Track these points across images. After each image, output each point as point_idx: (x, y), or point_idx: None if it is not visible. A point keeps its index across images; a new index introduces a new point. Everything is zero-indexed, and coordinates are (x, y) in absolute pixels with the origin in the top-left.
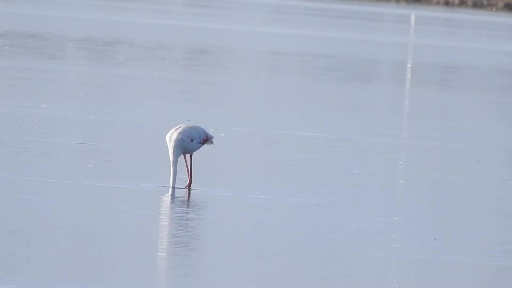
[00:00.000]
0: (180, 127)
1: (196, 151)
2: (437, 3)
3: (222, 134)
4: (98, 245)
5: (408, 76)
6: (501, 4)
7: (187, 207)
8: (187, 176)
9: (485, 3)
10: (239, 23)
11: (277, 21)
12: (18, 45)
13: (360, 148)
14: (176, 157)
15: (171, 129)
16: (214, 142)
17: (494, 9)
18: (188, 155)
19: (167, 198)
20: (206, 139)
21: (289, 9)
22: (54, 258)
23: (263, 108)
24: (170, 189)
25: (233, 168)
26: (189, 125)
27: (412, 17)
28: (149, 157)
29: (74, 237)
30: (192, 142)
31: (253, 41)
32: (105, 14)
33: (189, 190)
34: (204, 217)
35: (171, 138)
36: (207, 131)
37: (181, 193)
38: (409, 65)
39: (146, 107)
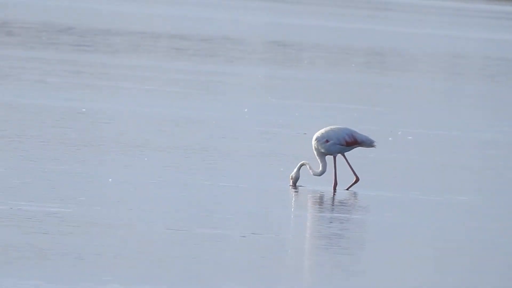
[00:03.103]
0: (328, 127)
1: (348, 152)
2: None
3: (390, 139)
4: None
5: None
6: None
7: (348, 208)
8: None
9: None
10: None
11: (455, 25)
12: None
13: None
14: (319, 156)
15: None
16: (375, 145)
17: None
18: (332, 157)
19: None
20: (353, 142)
21: (469, 12)
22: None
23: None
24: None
25: (396, 171)
26: (335, 126)
27: None
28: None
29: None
30: (327, 143)
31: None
32: (125, 6)
33: (335, 191)
34: (362, 218)
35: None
36: (361, 134)
37: (333, 193)
38: None
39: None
